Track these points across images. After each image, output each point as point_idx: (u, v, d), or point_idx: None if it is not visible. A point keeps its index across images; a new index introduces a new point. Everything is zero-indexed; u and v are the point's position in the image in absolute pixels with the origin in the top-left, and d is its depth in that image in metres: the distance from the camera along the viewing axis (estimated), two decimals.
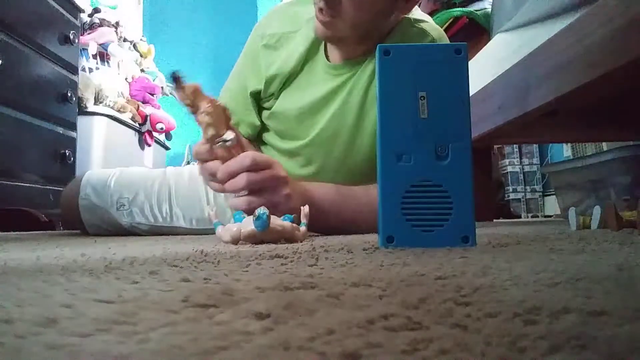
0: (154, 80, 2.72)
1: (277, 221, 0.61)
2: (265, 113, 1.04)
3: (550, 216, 2.84)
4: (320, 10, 0.81)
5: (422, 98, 0.51)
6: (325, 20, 0.83)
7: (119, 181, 1.07)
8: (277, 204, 0.72)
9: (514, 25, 1.39)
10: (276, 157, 0.94)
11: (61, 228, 1.55)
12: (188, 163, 3.57)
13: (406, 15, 0.92)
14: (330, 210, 0.85)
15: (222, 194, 1.08)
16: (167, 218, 1.06)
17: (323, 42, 0.95)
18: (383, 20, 0.88)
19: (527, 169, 3.27)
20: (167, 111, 2.83)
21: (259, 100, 1.03)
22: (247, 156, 0.70)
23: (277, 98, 1.00)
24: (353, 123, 0.94)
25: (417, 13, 0.97)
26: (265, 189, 0.73)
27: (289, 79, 0.98)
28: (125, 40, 2.56)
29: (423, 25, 0.93)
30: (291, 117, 0.99)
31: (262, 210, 0.57)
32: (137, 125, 2.53)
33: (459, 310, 0.19)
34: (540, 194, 3.25)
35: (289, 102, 0.99)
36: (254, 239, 0.59)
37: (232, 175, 0.70)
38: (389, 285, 0.25)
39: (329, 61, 0.95)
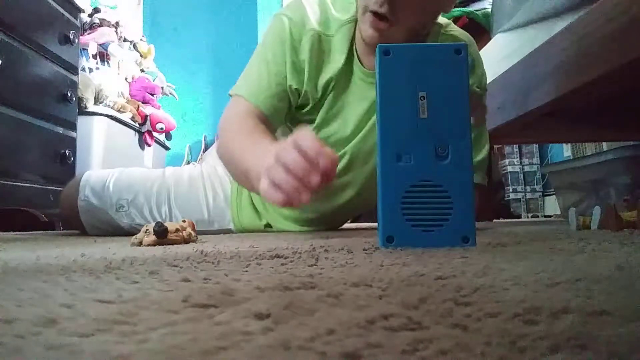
0: (154, 80, 2.72)
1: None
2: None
3: (550, 216, 2.84)
4: (380, 17, 0.75)
5: (422, 98, 0.51)
6: (383, 28, 0.76)
7: (118, 182, 1.06)
8: None
9: (514, 25, 1.39)
10: None
11: (61, 228, 1.55)
12: (188, 163, 3.57)
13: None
14: None
15: (222, 195, 1.08)
16: (167, 219, 1.06)
17: (355, 49, 0.89)
18: (433, 20, 0.85)
19: (527, 169, 3.27)
20: (167, 111, 2.82)
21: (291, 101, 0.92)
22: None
23: (323, 112, 0.92)
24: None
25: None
26: None
27: (334, 92, 0.90)
28: (125, 40, 2.56)
29: (451, 31, 0.91)
30: (342, 143, 0.94)
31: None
32: (137, 125, 2.53)
33: (459, 310, 0.19)
34: (540, 194, 3.25)
35: (337, 125, 0.93)
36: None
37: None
38: (389, 285, 0.25)
39: (364, 67, 0.89)
